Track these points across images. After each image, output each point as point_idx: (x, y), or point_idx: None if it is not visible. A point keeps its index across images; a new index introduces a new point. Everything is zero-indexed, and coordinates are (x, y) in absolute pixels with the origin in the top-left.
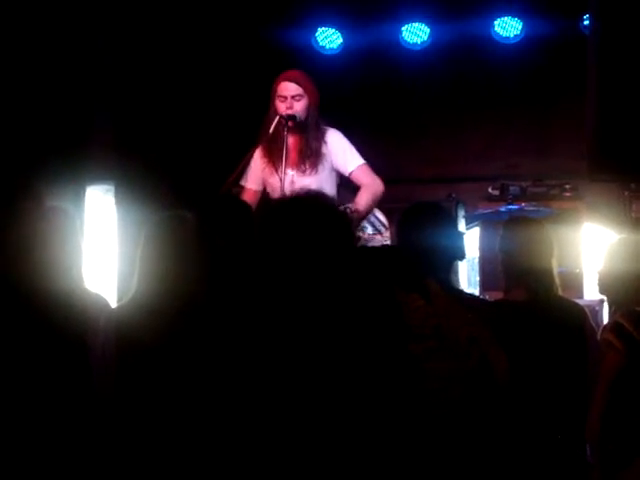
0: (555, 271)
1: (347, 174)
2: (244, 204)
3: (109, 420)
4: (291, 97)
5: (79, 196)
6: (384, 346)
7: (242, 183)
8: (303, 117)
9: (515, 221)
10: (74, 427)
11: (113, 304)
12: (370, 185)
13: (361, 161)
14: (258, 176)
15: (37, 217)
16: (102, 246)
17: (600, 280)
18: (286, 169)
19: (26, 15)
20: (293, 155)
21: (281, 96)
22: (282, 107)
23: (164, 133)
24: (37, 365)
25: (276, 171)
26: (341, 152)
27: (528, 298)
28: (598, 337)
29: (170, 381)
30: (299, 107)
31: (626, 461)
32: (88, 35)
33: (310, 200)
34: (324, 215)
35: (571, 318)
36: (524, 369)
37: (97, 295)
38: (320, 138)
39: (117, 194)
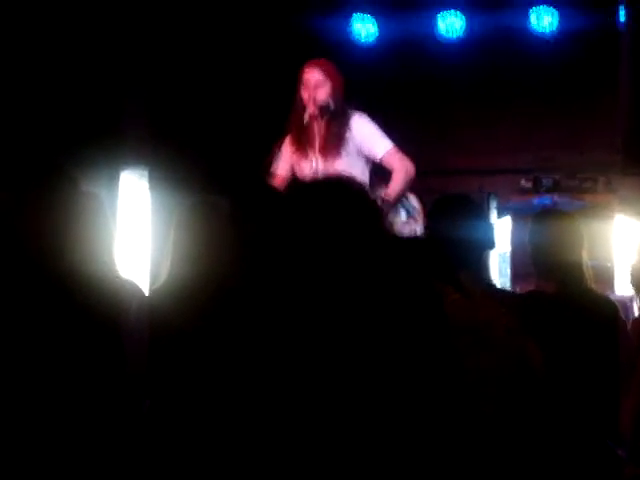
0: (585, 264)
1: (378, 160)
2: (276, 191)
3: (141, 404)
4: (314, 83)
5: (113, 181)
6: (426, 339)
7: (272, 169)
8: (326, 105)
9: (544, 213)
10: (106, 411)
11: (146, 289)
12: (400, 170)
13: (389, 145)
14: (287, 162)
15: (72, 202)
16: (136, 231)
17: (632, 274)
18: (312, 157)
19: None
20: (318, 142)
21: (305, 83)
22: (305, 95)
23: (198, 118)
24: (69, 348)
25: (305, 157)
26: (367, 137)
27: (558, 291)
28: (629, 329)
29: (203, 365)
30: (322, 94)
31: None
32: (122, 20)
33: (337, 184)
34: (351, 199)
35: (602, 311)
36: (554, 362)
37: (129, 281)
38: (344, 123)
39: (151, 179)
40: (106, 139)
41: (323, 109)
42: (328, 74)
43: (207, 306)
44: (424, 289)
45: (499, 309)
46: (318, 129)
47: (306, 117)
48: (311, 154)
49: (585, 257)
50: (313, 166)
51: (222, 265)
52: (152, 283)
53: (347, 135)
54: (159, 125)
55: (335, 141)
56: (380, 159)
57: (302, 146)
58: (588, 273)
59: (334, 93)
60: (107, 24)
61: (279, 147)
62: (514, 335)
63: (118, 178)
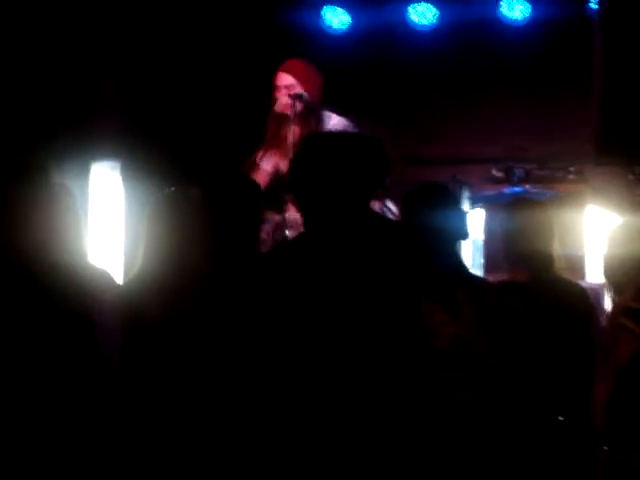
0: (556, 252)
1: None
2: (252, 182)
3: (115, 396)
4: (284, 87)
5: (85, 172)
6: (407, 371)
7: (259, 163)
8: (300, 108)
9: (516, 202)
10: (79, 404)
11: (119, 281)
12: None
13: None
14: (274, 159)
15: (43, 193)
16: (108, 223)
17: (604, 264)
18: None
19: None
20: (293, 141)
21: (277, 86)
22: (280, 97)
23: (171, 110)
24: (41, 339)
25: (282, 157)
26: None
27: (529, 279)
28: (603, 321)
29: (176, 358)
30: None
31: (636, 443)
32: (93, 12)
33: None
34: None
35: (573, 298)
36: (527, 349)
37: (103, 271)
38: (321, 126)
39: (123, 171)
40: (77, 131)
41: (298, 106)
42: (300, 78)
43: (179, 299)
44: (409, 313)
45: (493, 332)
46: (294, 132)
47: (279, 109)
48: (288, 156)
49: (556, 246)
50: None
51: (194, 258)
52: (125, 274)
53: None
54: (131, 117)
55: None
56: None
57: (279, 146)
58: (559, 261)
59: (308, 95)
60: (79, 16)
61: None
62: (505, 369)
63: (90, 170)
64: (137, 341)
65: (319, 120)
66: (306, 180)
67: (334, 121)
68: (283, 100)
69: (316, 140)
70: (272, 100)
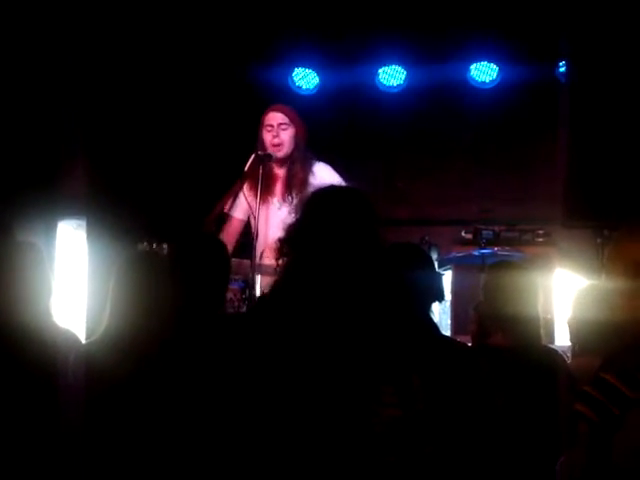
0: (541, 318)
1: None
2: (218, 241)
3: (78, 457)
4: (277, 125)
5: (50, 230)
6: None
7: (230, 212)
8: (289, 149)
9: (501, 266)
10: (40, 466)
11: (82, 340)
12: None
13: None
14: (245, 207)
15: (7, 251)
16: (72, 281)
17: (569, 327)
18: (273, 200)
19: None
20: (280, 186)
21: (268, 125)
22: (269, 137)
23: (137, 168)
24: (3, 401)
25: (264, 202)
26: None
27: (511, 344)
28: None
29: (140, 417)
30: (285, 136)
31: None
32: (60, 67)
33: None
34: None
35: (554, 367)
36: (504, 416)
37: (67, 330)
38: (307, 168)
39: (88, 229)
40: (43, 188)
41: (286, 155)
42: (292, 119)
43: (144, 359)
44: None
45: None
46: (280, 174)
47: (256, 167)
48: (271, 199)
49: (540, 310)
50: (275, 209)
51: (160, 318)
52: (89, 333)
53: (310, 180)
54: (97, 175)
55: (297, 186)
56: None
57: (262, 191)
58: (540, 326)
59: (297, 137)
60: (43, 74)
61: (235, 191)
62: None
63: (55, 228)
64: (101, 401)
65: (307, 165)
66: (318, 235)
67: (319, 168)
68: (269, 139)
69: (327, 196)
70: (258, 141)
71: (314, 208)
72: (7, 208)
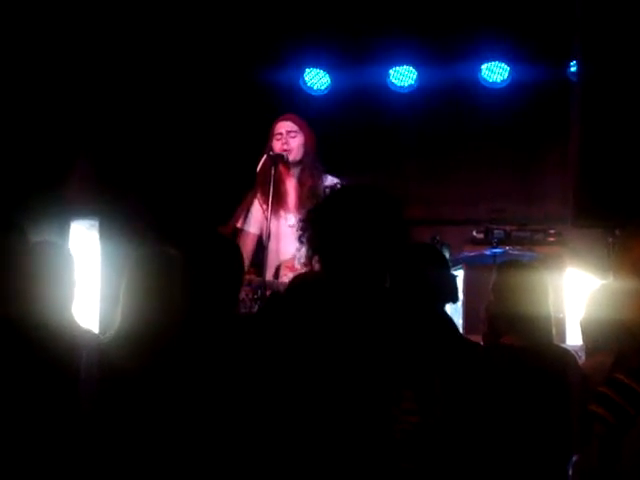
0: (552, 317)
1: None
2: (231, 241)
3: (96, 458)
4: (286, 133)
5: (63, 231)
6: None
7: (244, 227)
8: (298, 155)
9: (509, 265)
10: (59, 444)
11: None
12: None
13: None
14: (259, 220)
15: (21, 252)
16: (85, 281)
17: (582, 327)
18: (285, 214)
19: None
20: (292, 198)
21: (277, 134)
22: (278, 145)
23: (149, 169)
24: (25, 402)
25: (276, 214)
26: None
27: (524, 344)
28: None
29: (154, 416)
30: (294, 144)
31: None
32: (73, 72)
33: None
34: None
35: (566, 366)
36: (516, 417)
37: (84, 329)
38: (317, 178)
39: (101, 229)
40: (56, 189)
41: (293, 162)
42: (301, 127)
43: (157, 358)
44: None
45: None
46: (291, 186)
47: (268, 170)
48: (283, 212)
49: (551, 309)
50: (287, 223)
51: (172, 317)
52: (102, 332)
53: (321, 191)
54: (109, 175)
55: (309, 196)
56: None
57: (274, 203)
58: (552, 326)
59: (306, 145)
60: (58, 76)
61: (247, 205)
62: None
63: (68, 228)
64: (116, 399)
65: (316, 174)
66: (342, 234)
67: (329, 181)
68: (279, 146)
69: (350, 192)
70: (267, 149)
71: (341, 205)
72: (20, 209)
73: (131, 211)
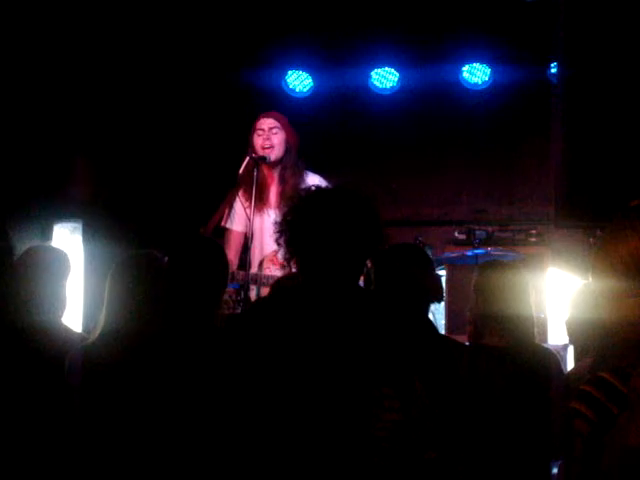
0: (534, 317)
1: None
2: (215, 243)
3: (85, 457)
4: (268, 129)
5: (46, 233)
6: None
7: (228, 226)
8: (279, 152)
9: (490, 265)
10: (49, 436)
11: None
12: None
13: None
14: (243, 218)
15: (2, 254)
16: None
17: (567, 328)
18: (268, 210)
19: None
20: (273, 195)
21: (259, 129)
22: (259, 140)
23: (132, 172)
24: (17, 403)
25: (259, 211)
26: None
27: (506, 344)
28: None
29: (139, 415)
30: (276, 140)
31: None
32: (58, 72)
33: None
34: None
35: (547, 366)
36: (498, 415)
37: (77, 333)
38: (299, 176)
39: (85, 232)
40: (39, 192)
41: (277, 158)
42: (283, 124)
43: (140, 360)
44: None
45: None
46: (272, 183)
47: (250, 170)
48: (266, 209)
49: (533, 309)
50: (270, 219)
51: (156, 319)
52: (85, 334)
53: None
54: (93, 177)
55: (290, 194)
56: None
57: (256, 201)
58: (534, 325)
59: (288, 143)
60: (42, 78)
61: (231, 202)
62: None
63: (51, 231)
64: (100, 401)
65: (298, 172)
66: (311, 233)
67: (311, 178)
68: (260, 142)
69: (320, 195)
70: (249, 146)
71: (317, 208)
72: (3, 211)
73: (114, 214)
